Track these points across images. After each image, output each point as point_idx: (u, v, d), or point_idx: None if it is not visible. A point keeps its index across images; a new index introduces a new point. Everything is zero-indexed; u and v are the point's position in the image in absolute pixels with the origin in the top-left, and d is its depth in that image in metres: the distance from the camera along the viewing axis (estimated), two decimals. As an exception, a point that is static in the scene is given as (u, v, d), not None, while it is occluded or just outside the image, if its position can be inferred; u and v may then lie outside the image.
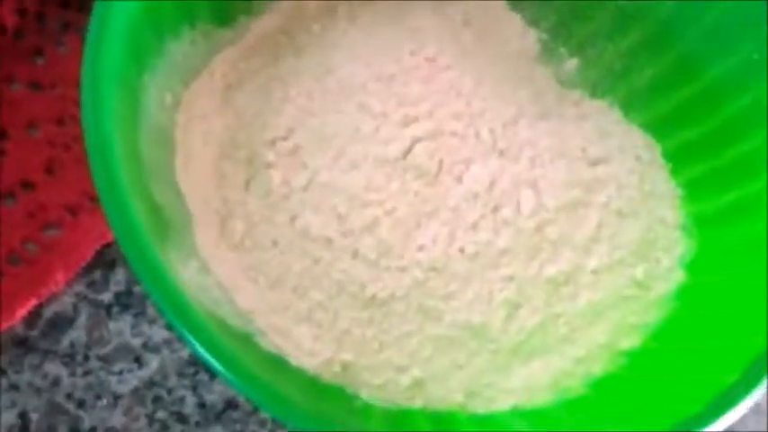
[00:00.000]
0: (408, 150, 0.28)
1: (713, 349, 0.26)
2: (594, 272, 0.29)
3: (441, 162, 0.28)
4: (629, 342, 0.28)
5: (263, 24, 0.31)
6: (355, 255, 0.27)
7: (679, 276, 0.29)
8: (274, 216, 0.28)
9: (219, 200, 0.28)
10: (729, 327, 0.27)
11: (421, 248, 0.28)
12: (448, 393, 0.27)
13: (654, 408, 0.25)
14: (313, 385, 0.26)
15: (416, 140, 0.28)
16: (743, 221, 0.29)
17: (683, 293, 0.29)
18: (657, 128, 0.32)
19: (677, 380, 0.26)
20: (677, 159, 0.31)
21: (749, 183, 0.29)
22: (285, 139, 0.28)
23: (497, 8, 0.33)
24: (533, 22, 0.33)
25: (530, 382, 0.27)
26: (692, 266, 0.29)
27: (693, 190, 0.31)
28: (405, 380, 0.27)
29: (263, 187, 0.28)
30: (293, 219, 0.28)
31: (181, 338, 0.23)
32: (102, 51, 0.24)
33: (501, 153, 0.29)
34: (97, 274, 0.31)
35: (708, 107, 0.30)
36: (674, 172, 0.31)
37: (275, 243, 0.28)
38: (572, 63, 0.33)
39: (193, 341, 0.22)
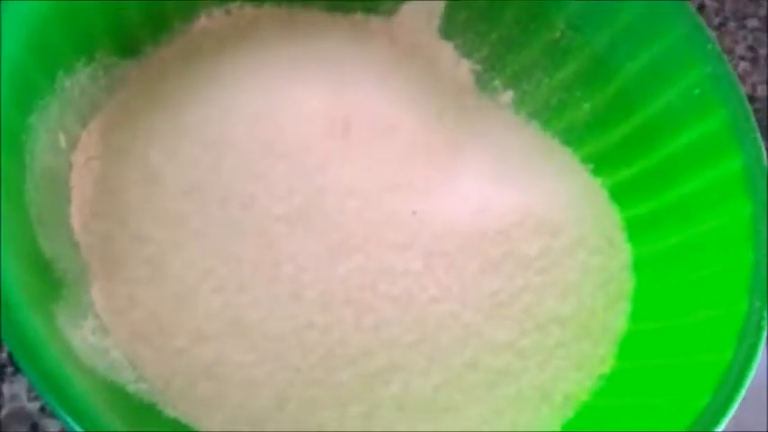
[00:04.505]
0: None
1: (657, 405, 0.25)
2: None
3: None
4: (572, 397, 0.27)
5: (170, 54, 0.29)
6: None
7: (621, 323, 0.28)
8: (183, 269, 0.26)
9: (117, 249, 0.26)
10: (672, 381, 0.25)
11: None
12: None
13: None
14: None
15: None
16: (683, 264, 0.28)
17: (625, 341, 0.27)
18: (597, 163, 0.31)
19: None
20: (617, 197, 0.30)
21: (689, 225, 0.28)
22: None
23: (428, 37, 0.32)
24: (466, 53, 0.32)
25: None
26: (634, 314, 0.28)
27: (633, 230, 0.29)
28: None
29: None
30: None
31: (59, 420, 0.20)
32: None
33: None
34: (-12, 332, 0.28)
35: (648, 144, 0.29)
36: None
37: (182, 297, 0.26)
38: (507, 96, 0.32)
39: (71, 422, 0.20)
